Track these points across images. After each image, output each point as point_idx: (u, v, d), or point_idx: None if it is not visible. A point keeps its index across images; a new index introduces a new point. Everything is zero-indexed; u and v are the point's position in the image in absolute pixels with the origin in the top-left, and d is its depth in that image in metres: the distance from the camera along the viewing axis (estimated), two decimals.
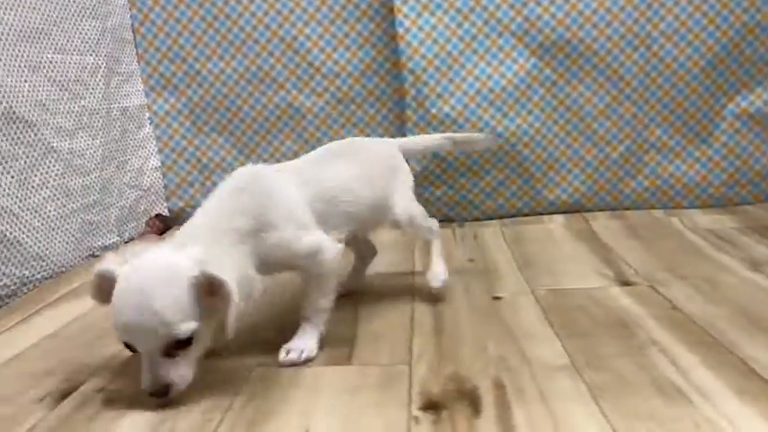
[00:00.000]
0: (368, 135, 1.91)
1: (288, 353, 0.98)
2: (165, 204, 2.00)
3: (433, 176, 1.87)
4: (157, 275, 0.84)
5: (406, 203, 1.21)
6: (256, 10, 1.84)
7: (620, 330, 1.05)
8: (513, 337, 1.05)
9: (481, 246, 1.65)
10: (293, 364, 0.97)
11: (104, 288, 0.86)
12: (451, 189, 1.88)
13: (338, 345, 1.05)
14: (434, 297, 1.23)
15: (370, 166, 1.17)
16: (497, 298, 1.24)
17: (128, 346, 0.85)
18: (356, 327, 1.13)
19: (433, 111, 1.81)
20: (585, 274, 1.36)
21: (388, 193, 1.18)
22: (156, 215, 1.96)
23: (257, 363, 0.99)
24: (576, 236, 1.67)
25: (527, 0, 1.76)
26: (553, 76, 1.82)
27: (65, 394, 0.91)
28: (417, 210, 1.23)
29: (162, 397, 0.84)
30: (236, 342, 1.06)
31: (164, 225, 1.96)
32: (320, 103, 1.90)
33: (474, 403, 0.83)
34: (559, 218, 1.86)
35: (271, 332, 1.09)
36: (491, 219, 1.90)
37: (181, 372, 0.85)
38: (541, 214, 1.90)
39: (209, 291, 0.84)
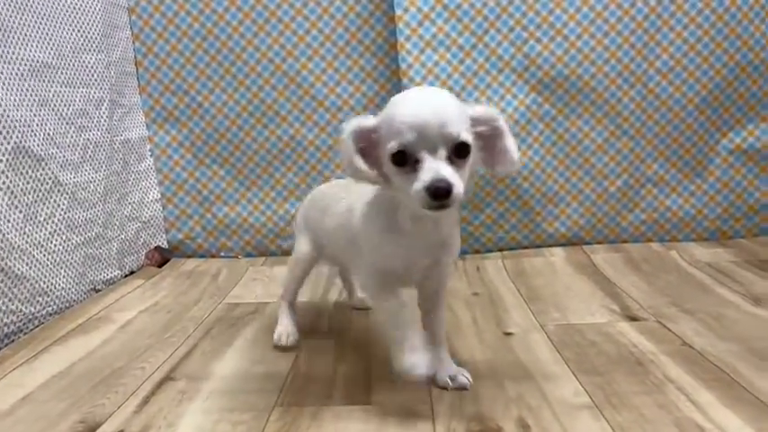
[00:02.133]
0: None
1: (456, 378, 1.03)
2: (164, 237, 1.98)
3: None
4: (447, 95, 0.90)
5: None
6: (260, 44, 1.86)
7: (635, 367, 1.07)
8: (530, 374, 1.06)
9: (484, 279, 1.66)
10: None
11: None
12: None
13: (355, 384, 1.05)
14: None
15: None
16: (508, 334, 1.25)
17: (402, 152, 0.85)
18: (370, 364, 1.13)
19: None
20: (592, 309, 1.37)
21: None
22: (156, 247, 1.95)
23: (276, 401, 0.98)
24: (579, 269, 1.69)
25: (527, 38, 1.80)
26: (552, 112, 1.85)
27: None
28: None
29: (441, 198, 0.83)
30: (251, 379, 1.06)
31: (162, 257, 1.94)
32: (322, 136, 1.91)
33: None
34: (559, 250, 1.88)
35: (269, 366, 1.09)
36: (491, 251, 1.92)
37: (458, 178, 0.85)
38: (541, 247, 1.92)
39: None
